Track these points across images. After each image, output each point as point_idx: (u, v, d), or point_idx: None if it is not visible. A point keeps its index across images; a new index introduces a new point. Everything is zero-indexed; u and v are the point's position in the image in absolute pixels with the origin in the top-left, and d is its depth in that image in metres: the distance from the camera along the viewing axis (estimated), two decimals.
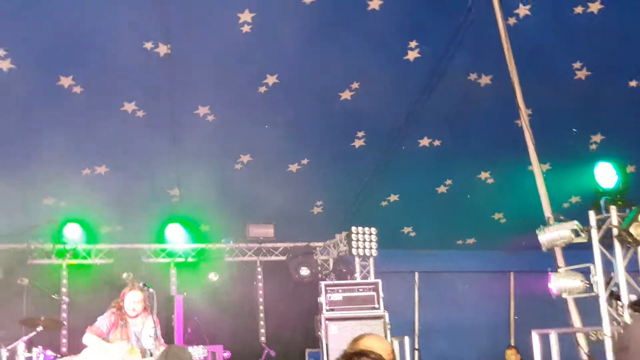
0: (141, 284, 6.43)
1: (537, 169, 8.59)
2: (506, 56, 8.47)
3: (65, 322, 10.04)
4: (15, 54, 8.30)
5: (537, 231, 7.81)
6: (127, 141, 9.49)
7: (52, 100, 8.83)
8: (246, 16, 8.58)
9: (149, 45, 8.64)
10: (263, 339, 11.02)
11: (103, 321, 6.48)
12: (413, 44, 9.31)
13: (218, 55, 8.90)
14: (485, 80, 9.85)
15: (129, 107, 9.30)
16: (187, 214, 10.77)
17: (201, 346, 7.84)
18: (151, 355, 6.12)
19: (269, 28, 8.71)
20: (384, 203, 11.38)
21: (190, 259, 11.03)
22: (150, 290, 6.32)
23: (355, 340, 2.84)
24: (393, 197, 11.33)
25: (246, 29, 8.67)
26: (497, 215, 11.72)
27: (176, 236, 10.85)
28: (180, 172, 10.18)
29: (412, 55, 9.40)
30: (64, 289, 10.49)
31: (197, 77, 9.17)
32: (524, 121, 8.69)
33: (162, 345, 6.53)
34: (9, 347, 8.13)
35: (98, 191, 9.97)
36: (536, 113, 9.61)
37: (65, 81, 8.75)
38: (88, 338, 6.33)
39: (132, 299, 6.48)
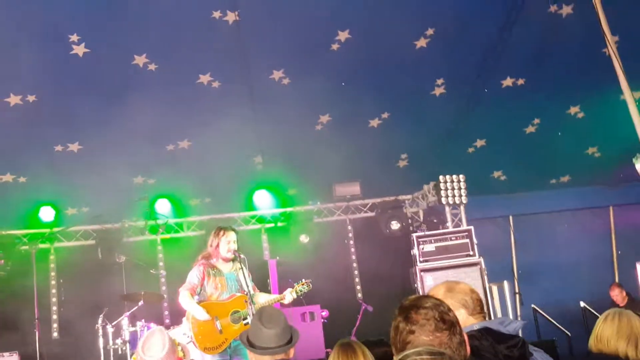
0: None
1: (629, 97, 8.16)
2: None
3: (165, 295, 10.40)
4: (88, 38, 8.47)
5: (633, 160, 7.49)
6: (206, 113, 9.57)
7: (129, 80, 9.01)
8: None
9: (217, 14, 8.62)
10: (360, 295, 11.07)
11: (193, 275, 6.45)
12: None
13: (286, 17, 8.79)
14: (566, 10, 9.33)
15: (204, 79, 9.37)
16: (273, 180, 10.87)
17: None
18: (252, 300, 6.17)
19: None
20: (470, 149, 11.11)
21: (279, 224, 11.16)
22: (242, 256, 6.38)
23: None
24: (480, 142, 11.02)
25: None
26: (590, 150, 11.25)
27: (264, 202, 11.00)
28: (262, 138, 10.25)
29: None
30: (160, 263, 10.87)
31: (268, 42, 9.11)
32: (612, 49, 8.23)
33: (255, 289, 6.58)
34: (114, 323, 8.51)
35: (183, 165, 10.19)
36: (624, 39, 9.10)
37: (140, 60, 8.89)
38: (182, 296, 6.32)
39: (229, 239, 6.47)
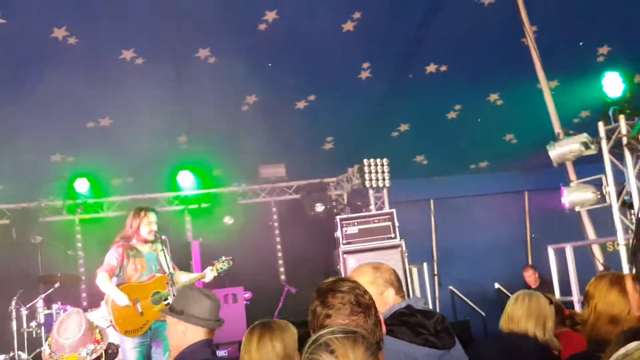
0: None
1: (545, 86, 8.50)
2: None
3: (83, 277, 10.15)
4: (3, 7, 8.10)
5: (547, 147, 7.80)
6: (128, 90, 9.32)
7: (46, 53, 8.68)
8: None
9: None
10: (283, 277, 11.13)
11: (111, 256, 6.32)
12: None
13: None
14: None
15: (128, 54, 9.14)
16: (198, 160, 10.74)
17: None
18: (173, 281, 6.12)
19: None
20: (394, 133, 11.28)
21: (203, 205, 11.05)
22: (163, 237, 6.29)
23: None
24: (403, 127, 11.22)
25: None
26: (508, 137, 11.62)
27: (188, 183, 10.86)
28: (187, 117, 10.11)
29: None
30: (79, 244, 10.57)
31: (194, 19, 8.94)
32: (530, 39, 8.53)
33: (175, 268, 6.49)
34: (28, 306, 8.22)
35: (105, 144, 9.93)
36: (541, 29, 9.42)
37: (59, 33, 8.57)
38: (100, 279, 6.19)
39: (150, 220, 6.37)
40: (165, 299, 6.15)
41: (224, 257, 6.57)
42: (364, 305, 2.35)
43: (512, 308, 3.87)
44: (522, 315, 3.79)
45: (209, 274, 6.49)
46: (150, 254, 6.41)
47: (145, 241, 6.39)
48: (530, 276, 10.41)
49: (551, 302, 3.87)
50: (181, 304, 3.53)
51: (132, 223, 6.42)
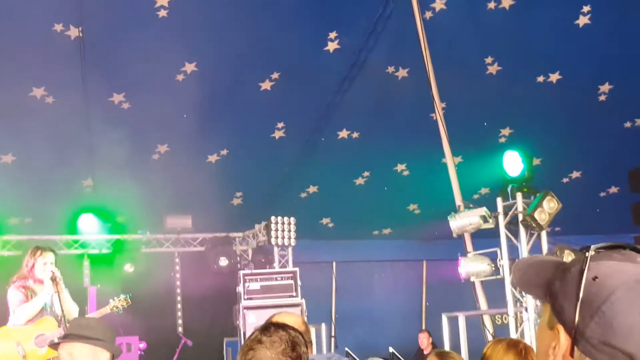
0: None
1: (449, 160, 8.88)
2: (422, 50, 8.68)
3: None
4: None
5: (448, 217, 8.13)
6: (35, 128, 9.09)
7: None
8: (162, 0, 8.40)
9: (59, 27, 8.33)
10: (180, 329, 10.90)
11: (17, 293, 6.01)
12: (333, 35, 9.37)
13: (133, 41, 8.69)
14: (402, 73, 10.04)
15: (38, 92, 8.96)
16: (102, 205, 10.50)
17: None
18: (66, 321, 5.86)
19: (187, 12, 8.57)
20: (303, 194, 11.44)
21: (104, 250, 10.76)
22: (58, 276, 6.07)
23: (268, 320, 2.86)
24: (312, 189, 11.40)
25: (163, 13, 8.49)
26: (412, 206, 11.98)
27: (90, 227, 10.57)
28: (94, 161, 9.91)
29: (332, 46, 9.46)
30: None
31: (111, 63, 8.93)
32: (439, 114, 8.94)
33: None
34: None
35: (4, 181, 9.55)
36: (450, 106, 9.88)
37: None
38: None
39: (46, 260, 6.08)
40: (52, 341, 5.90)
41: (122, 296, 6.41)
42: (297, 355, 2.30)
43: None
44: None
45: (102, 310, 6.32)
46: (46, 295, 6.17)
47: (41, 281, 6.16)
48: (424, 339, 10.69)
49: None
50: (90, 332, 3.35)
51: (28, 262, 6.18)
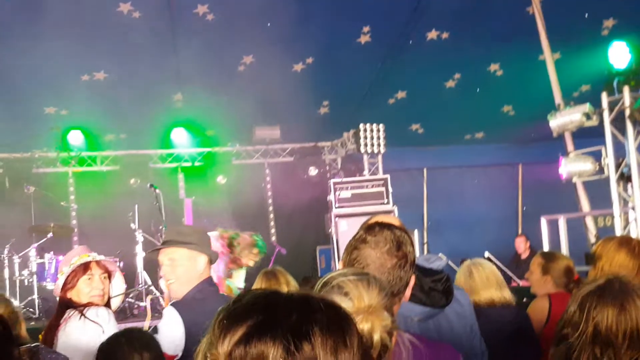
0: (148, 185, 6.32)
1: (548, 56, 8.41)
2: None
3: (75, 228, 10.11)
4: None
5: (548, 116, 7.75)
6: (124, 44, 9.18)
7: (41, 5, 8.49)
8: None
9: None
10: (274, 238, 11.12)
11: None
12: None
13: None
14: None
15: (125, 7, 8.95)
16: (192, 118, 10.64)
17: None
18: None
19: None
20: (391, 100, 11.18)
21: (197, 163, 10.98)
22: (157, 190, 6.22)
23: (366, 222, 2.75)
24: (400, 94, 11.11)
25: None
26: (506, 108, 11.54)
27: (182, 141, 10.78)
28: (183, 75, 9.96)
29: None
30: (71, 196, 10.52)
31: None
32: (536, 7, 8.40)
33: None
34: (21, 254, 8.22)
35: (99, 98, 9.78)
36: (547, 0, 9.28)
37: None
38: None
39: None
40: None
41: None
42: (402, 254, 2.23)
43: (467, 282, 3.87)
44: (480, 285, 3.81)
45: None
46: None
47: None
48: (521, 243, 10.46)
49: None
50: (188, 238, 3.32)
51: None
